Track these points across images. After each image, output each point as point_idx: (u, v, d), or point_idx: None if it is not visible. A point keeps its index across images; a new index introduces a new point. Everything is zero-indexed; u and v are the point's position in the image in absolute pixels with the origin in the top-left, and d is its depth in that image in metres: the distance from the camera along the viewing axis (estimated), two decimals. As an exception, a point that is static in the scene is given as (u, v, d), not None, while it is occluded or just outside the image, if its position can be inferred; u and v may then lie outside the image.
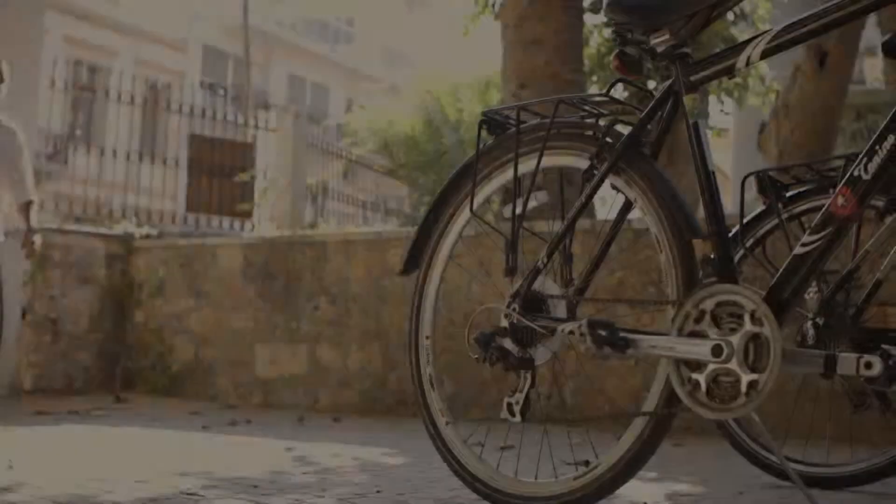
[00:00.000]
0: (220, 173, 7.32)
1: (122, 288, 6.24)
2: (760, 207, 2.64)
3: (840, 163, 2.42)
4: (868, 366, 1.71)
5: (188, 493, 2.28)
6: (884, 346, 1.79)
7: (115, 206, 7.69)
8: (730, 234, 2.61)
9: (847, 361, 1.74)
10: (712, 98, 9.00)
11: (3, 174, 4.56)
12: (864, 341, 2.29)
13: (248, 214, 7.29)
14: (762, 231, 2.62)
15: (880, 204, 2.45)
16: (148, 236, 6.41)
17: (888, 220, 2.45)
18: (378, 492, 2.36)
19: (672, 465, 2.99)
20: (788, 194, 2.59)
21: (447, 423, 2.19)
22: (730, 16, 8.76)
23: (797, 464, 2.50)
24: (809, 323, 2.34)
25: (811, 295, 2.39)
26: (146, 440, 3.70)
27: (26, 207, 4.50)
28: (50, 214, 7.73)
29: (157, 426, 4.22)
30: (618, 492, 2.35)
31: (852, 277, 2.42)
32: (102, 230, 6.45)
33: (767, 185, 2.57)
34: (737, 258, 2.62)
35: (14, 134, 4.59)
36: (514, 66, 6.10)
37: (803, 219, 2.53)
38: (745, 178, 2.56)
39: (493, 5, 7.99)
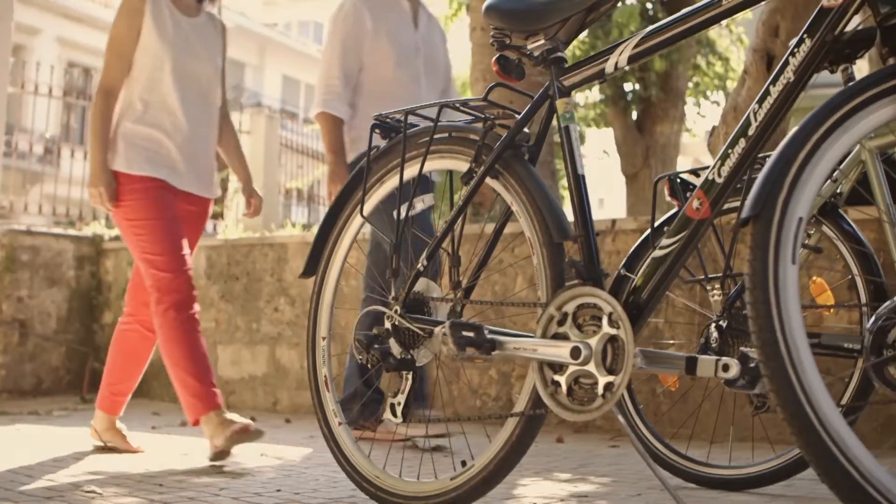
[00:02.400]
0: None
1: (91, 289, 6.27)
2: (673, 210, 2.66)
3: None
4: (725, 368, 1.73)
5: (86, 491, 2.31)
6: (742, 349, 1.81)
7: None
8: (643, 237, 2.67)
9: (706, 364, 1.76)
10: (690, 100, 9.02)
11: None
12: None
13: (220, 216, 7.31)
14: (673, 234, 2.63)
15: None
16: (117, 238, 6.43)
17: None
18: (278, 491, 2.39)
19: (595, 465, 3.00)
20: (699, 197, 2.61)
21: (339, 424, 2.22)
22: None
23: (700, 465, 2.51)
24: (713, 325, 2.34)
25: (715, 297, 2.40)
26: (85, 440, 3.72)
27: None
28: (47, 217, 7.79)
29: (109, 426, 4.24)
30: (517, 491, 2.38)
31: None
32: (71, 232, 6.48)
33: (678, 187, 2.58)
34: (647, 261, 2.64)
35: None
36: (482, 68, 6.13)
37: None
38: (658, 181, 2.58)
39: (468, 6, 8.03)
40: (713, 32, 8.42)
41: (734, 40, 8.72)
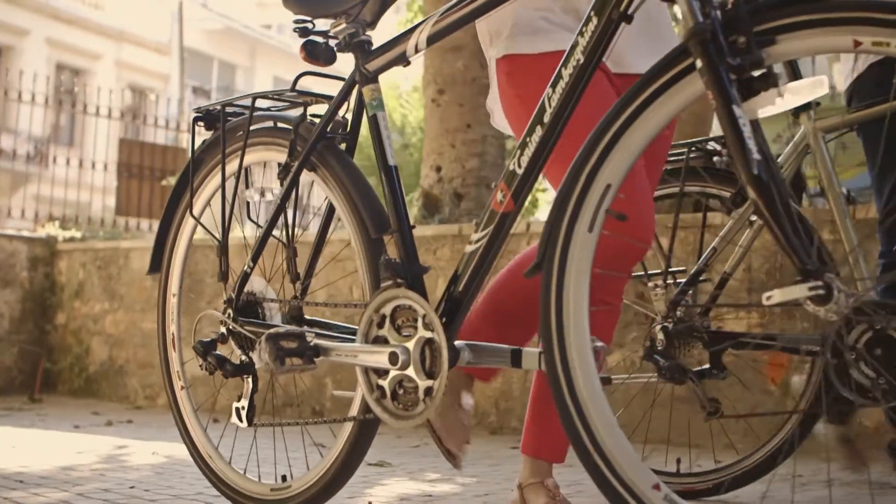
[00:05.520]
0: (150, 177, 7.36)
1: (45, 290, 6.28)
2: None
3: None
4: None
5: (-65, 489, 2.32)
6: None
7: (94, 209, 7.75)
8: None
9: (530, 357, 1.65)
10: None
11: None
12: (712, 343, 2.13)
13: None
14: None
15: (727, 196, 2.30)
16: (71, 239, 6.45)
17: (735, 214, 2.33)
18: (131, 488, 2.39)
19: (477, 466, 2.92)
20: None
21: (182, 388, 2.21)
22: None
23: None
24: (658, 326, 2.14)
25: (657, 296, 2.20)
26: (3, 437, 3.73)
27: None
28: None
29: (37, 426, 4.25)
30: (371, 490, 2.37)
31: (699, 277, 2.27)
32: (25, 233, 6.50)
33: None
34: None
35: None
36: (434, 71, 6.10)
37: None
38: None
39: (423, 12, 8.02)
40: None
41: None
